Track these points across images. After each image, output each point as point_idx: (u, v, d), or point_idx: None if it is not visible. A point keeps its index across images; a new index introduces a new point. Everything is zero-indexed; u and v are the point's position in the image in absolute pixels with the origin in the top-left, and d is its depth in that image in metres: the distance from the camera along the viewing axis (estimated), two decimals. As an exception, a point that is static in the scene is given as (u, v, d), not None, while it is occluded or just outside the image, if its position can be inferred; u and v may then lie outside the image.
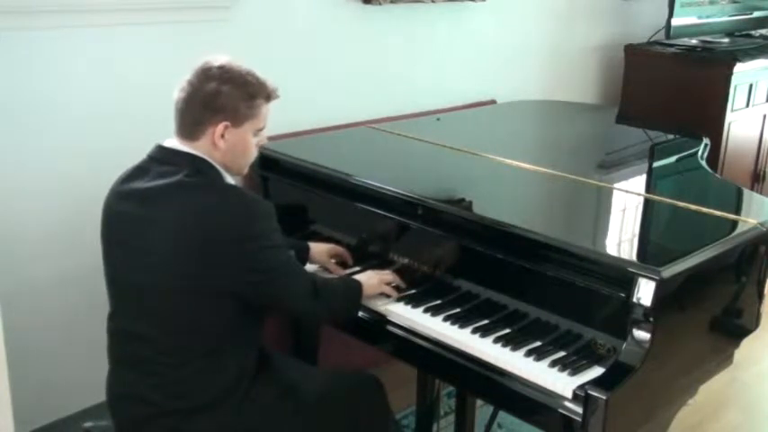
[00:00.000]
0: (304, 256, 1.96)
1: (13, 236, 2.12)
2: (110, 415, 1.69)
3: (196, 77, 1.61)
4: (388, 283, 1.85)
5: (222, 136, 1.61)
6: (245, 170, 1.73)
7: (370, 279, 1.83)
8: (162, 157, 1.63)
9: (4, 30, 2.00)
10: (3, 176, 2.07)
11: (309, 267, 1.96)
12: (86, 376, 1.99)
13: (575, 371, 1.54)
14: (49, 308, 2.23)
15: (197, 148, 1.61)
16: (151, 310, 1.58)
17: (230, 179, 1.66)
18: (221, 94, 1.59)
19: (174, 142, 1.64)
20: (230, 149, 1.63)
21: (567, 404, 1.49)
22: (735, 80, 3.54)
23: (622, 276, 1.52)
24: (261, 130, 1.69)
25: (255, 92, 1.64)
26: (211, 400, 1.59)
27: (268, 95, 1.67)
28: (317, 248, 1.98)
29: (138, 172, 1.63)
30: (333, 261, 1.99)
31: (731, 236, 1.76)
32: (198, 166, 1.59)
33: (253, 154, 1.71)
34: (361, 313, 1.85)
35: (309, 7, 2.67)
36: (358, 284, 1.80)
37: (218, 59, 1.63)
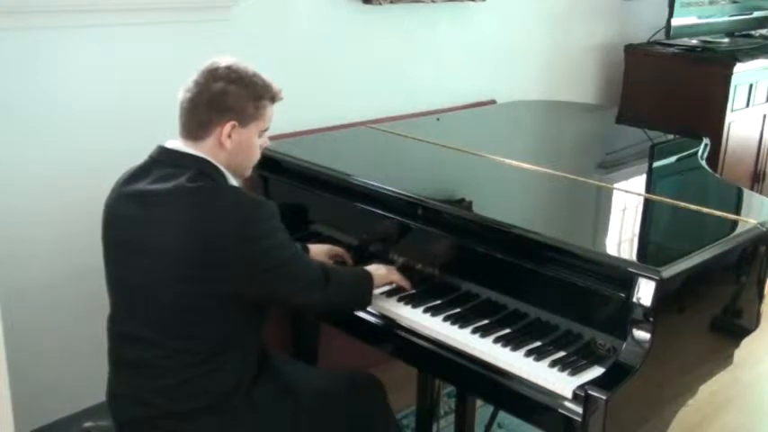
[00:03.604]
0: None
1: (13, 236, 2.12)
2: (110, 416, 1.69)
3: (203, 77, 1.61)
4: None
5: (229, 136, 1.61)
6: (249, 172, 1.73)
7: (378, 269, 1.84)
8: (165, 158, 1.62)
9: (5, 30, 2.00)
10: (2, 176, 2.07)
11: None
12: (86, 376, 1.99)
13: (575, 371, 1.54)
14: (49, 308, 2.22)
15: (201, 149, 1.61)
16: (152, 313, 1.58)
17: (233, 181, 1.66)
18: (229, 94, 1.60)
19: (177, 143, 1.63)
20: (236, 149, 1.63)
21: (567, 404, 1.49)
22: (735, 80, 3.54)
23: (622, 276, 1.52)
24: (265, 131, 1.69)
25: (262, 92, 1.64)
26: (212, 402, 1.59)
27: (273, 97, 1.67)
28: (316, 250, 1.98)
29: (140, 173, 1.63)
30: (332, 262, 1.99)
31: (731, 236, 1.76)
32: (202, 168, 1.59)
33: (257, 155, 1.71)
34: (361, 313, 1.85)
35: (309, 7, 2.67)
36: (367, 273, 1.80)
37: (225, 60, 1.63)
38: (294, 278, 1.63)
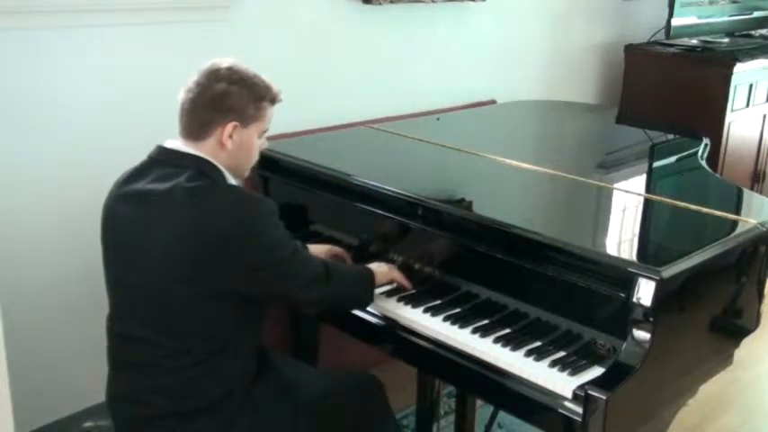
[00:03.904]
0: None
1: (13, 236, 2.12)
2: (110, 416, 1.69)
3: (205, 78, 1.61)
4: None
5: (230, 136, 1.61)
6: (247, 173, 1.74)
7: (380, 266, 1.84)
8: (164, 158, 1.62)
9: (5, 30, 2.00)
10: (3, 176, 2.07)
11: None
12: (86, 376, 1.99)
13: (575, 371, 1.54)
14: (49, 308, 2.22)
15: (202, 149, 1.61)
16: (151, 313, 1.58)
17: (233, 181, 1.66)
18: (231, 95, 1.60)
19: (176, 143, 1.63)
20: (236, 150, 1.63)
21: (567, 404, 1.49)
22: (735, 80, 3.54)
23: (622, 276, 1.52)
24: (264, 132, 1.70)
25: (263, 94, 1.65)
26: (211, 402, 1.59)
27: (273, 98, 1.68)
28: (315, 250, 1.98)
29: (139, 173, 1.63)
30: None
31: (731, 236, 1.76)
32: (201, 168, 1.59)
33: (256, 156, 1.71)
34: (361, 313, 1.85)
35: (309, 7, 2.67)
36: (369, 270, 1.80)
37: (226, 61, 1.64)
38: (295, 275, 1.63)
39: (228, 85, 1.60)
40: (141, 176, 1.61)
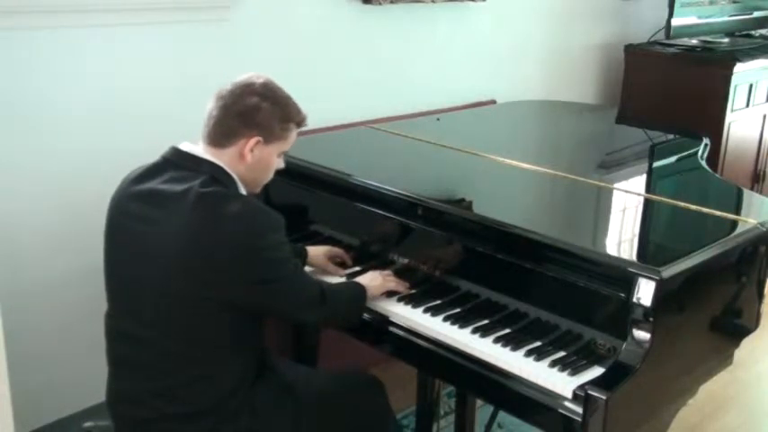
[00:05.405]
0: (302, 261, 1.96)
1: (13, 236, 2.12)
2: (110, 417, 1.69)
3: (239, 89, 1.63)
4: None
5: (252, 150, 1.62)
6: (259, 189, 1.74)
7: (373, 280, 1.83)
8: (179, 160, 1.62)
9: (4, 30, 2.00)
10: (2, 176, 2.07)
11: (307, 270, 1.95)
12: (86, 376, 2.00)
13: (575, 371, 1.54)
14: (49, 308, 2.23)
15: (220, 157, 1.61)
16: (150, 313, 1.57)
17: (244, 191, 1.66)
18: (261, 110, 1.61)
19: (192, 147, 1.63)
20: (255, 165, 1.64)
21: (567, 404, 1.49)
22: (735, 80, 3.55)
23: (622, 276, 1.52)
24: (284, 153, 1.72)
25: (292, 115, 1.67)
26: (212, 404, 1.59)
27: (300, 122, 1.70)
28: (315, 251, 1.98)
29: (152, 173, 1.62)
30: (331, 263, 1.99)
31: (731, 236, 1.76)
32: (216, 175, 1.59)
33: (271, 174, 1.73)
34: (361, 313, 1.85)
35: (309, 7, 2.67)
36: (362, 288, 1.80)
37: (261, 77, 1.66)
38: (291, 295, 1.63)
39: (261, 100, 1.62)
40: (154, 176, 1.61)
